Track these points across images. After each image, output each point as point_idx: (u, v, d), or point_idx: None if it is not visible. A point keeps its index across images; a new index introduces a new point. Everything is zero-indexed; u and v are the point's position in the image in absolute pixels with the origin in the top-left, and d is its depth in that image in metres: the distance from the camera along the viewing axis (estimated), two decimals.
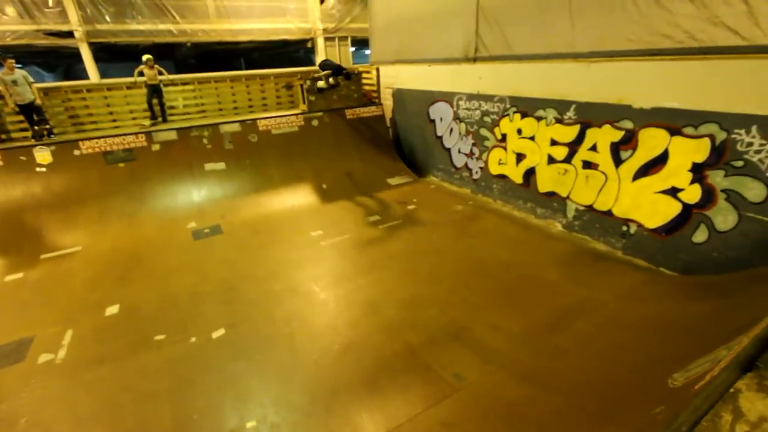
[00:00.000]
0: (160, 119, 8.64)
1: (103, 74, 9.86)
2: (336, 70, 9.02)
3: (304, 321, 4.39)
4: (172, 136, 7.95)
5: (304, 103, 9.47)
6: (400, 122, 10.26)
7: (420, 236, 6.30)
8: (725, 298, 3.39)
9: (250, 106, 10.12)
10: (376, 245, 6.04)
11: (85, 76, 9.60)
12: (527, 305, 4.36)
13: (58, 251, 6.25)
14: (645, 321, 3.61)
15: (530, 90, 6.54)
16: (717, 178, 4.42)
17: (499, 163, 7.46)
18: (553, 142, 6.28)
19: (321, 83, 8.98)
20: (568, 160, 6.10)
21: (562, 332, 3.80)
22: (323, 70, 9.05)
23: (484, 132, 7.70)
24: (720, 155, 4.36)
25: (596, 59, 5.44)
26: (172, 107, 9.21)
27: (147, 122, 8.47)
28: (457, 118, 8.29)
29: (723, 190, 4.38)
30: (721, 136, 4.33)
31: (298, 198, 8.09)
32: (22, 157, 6.89)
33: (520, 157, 6.98)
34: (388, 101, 10.42)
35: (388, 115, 10.47)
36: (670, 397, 1.70)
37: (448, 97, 8.42)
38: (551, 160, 6.39)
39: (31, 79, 7.24)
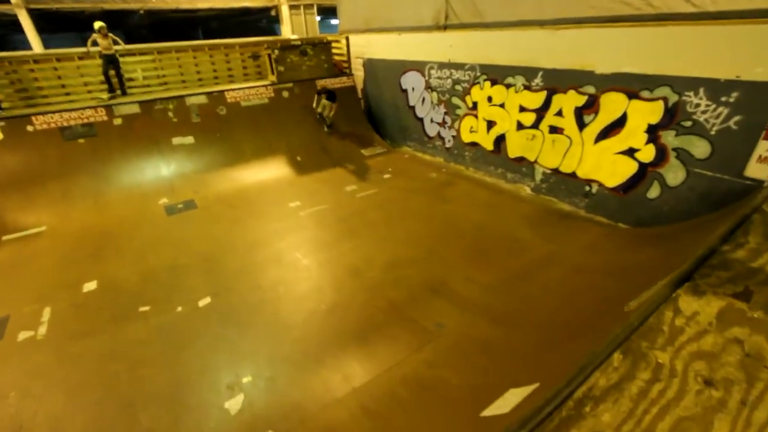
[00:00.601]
0: (118, 92, 8.15)
1: (44, 46, 9.11)
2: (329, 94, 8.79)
3: (290, 286, 4.52)
4: (135, 109, 7.58)
5: (273, 73, 9.20)
6: (371, 93, 10.20)
7: (396, 203, 6.47)
8: (672, 243, 3.80)
9: (216, 78, 9.70)
10: (355, 213, 6.16)
11: (22, 48, 8.83)
12: (500, 261, 4.67)
13: (21, 232, 5.97)
14: (603, 267, 3.99)
15: (500, 58, 6.69)
16: (669, 138, 4.80)
17: (471, 131, 7.66)
18: (522, 109, 6.51)
19: (322, 107, 8.73)
20: (535, 125, 6.37)
21: (531, 281, 4.15)
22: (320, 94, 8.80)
23: (455, 101, 7.83)
24: (672, 116, 4.73)
25: (562, 26, 5.63)
26: (130, 79, 8.69)
27: (105, 95, 7.98)
28: (428, 87, 8.36)
29: (674, 149, 4.78)
30: (673, 98, 4.68)
31: (273, 171, 8.01)
32: None
33: (490, 125, 7.20)
34: (359, 72, 10.29)
35: (360, 86, 10.37)
36: (627, 317, 1.98)
37: (419, 67, 8.44)
38: (520, 126, 6.65)
39: None
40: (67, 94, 8.23)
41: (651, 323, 1.38)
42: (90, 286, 4.68)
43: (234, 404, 3.08)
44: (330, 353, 3.49)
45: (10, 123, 6.63)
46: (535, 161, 6.54)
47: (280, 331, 3.83)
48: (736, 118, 4.21)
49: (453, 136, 8.12)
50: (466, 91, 7.48)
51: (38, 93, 7.98)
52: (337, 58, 10.30)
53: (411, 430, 2.56)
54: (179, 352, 3.62)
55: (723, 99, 4.28)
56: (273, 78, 9.17)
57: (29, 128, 6.78)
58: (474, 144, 7.66)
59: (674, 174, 4.83)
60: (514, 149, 6.87)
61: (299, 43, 9.49)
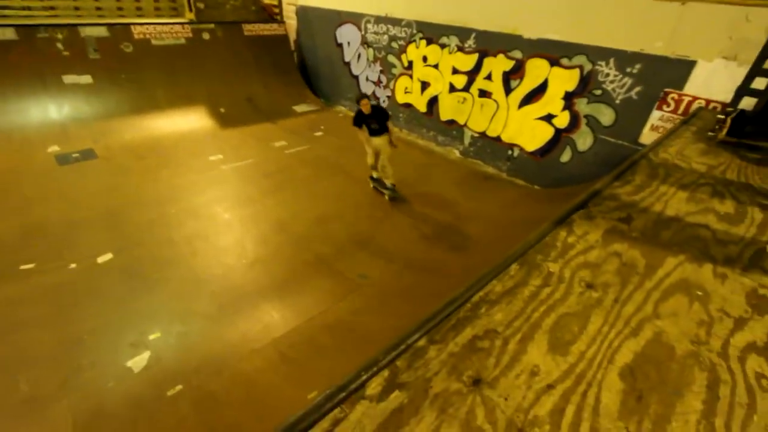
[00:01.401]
0: None
1: None
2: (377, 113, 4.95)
3: (208, 240, 4.20)
4: (10, 35, 6.26)
5: (191, 10, 8.16)
6: (305, 44, 9.57)
7: (327, 161, 6.27)
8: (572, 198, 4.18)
9: (120, 9, 8.33)
10: (283, 169, 5.86)
11: None
12: (427, 217, 4.79)
13: None
14: (518, 221, 4.29)
15: (436, 15, 6.60)
16: (582, 105, 5.18)
17: (405, 92, 7.59)
18: (455, 71, 6.57)
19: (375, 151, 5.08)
20: (466, 88, 6.48)
21: (456, 235, 4.33)
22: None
23: (391, 59, 7.65)
24: (585, 84, 5.08)
25: None
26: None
27: None
28: (365, 42, 8.04)
29: (585, 116, 5.17)
30: (588, 67, 5.01)
31: (191, 121, 7.26)
32: None
33: (424, 86, 7.19)
34: (291, 20, 9.54)
35: (293, 36, 9.67)
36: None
37: (356, 19, 8.04)
38: (452, 88, 6.72)
39: None
40: None
41: (547, 241, 1.47)
42: None
43: (138, 362, 2.83)
44: (250, 305, 3.34)
45: None
46: (465, 125, 6.71)
47: (195, 286, 3.56)
48: (637, 88, 4.64)
49: (388, 97, 7.99)
50: (402, 49, 7.33)
51: None
52: (267, 1, 9.42)
53: (329, 372, 2.56)
54: (71, 312, 3.21)
55: (628, 70, 4.67)
56: (191, 16, 8.14)
57: None
58: (408, 105, 7.62)
59: (584, 140, 5.25)
60: (445, 112, 6.97)
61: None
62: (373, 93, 8.27)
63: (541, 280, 1.28)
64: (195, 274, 3.72)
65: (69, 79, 6.65)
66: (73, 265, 3.71)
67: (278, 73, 9.05)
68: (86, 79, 6.81)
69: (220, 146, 6.53)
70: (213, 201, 4.93)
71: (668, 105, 4.40)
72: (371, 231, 4.48)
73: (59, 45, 6.66)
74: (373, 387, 0.92)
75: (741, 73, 3.62)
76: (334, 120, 8.29)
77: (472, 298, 1.18)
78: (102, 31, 7.04)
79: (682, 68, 4.23)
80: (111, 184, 5.21)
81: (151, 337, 3.03)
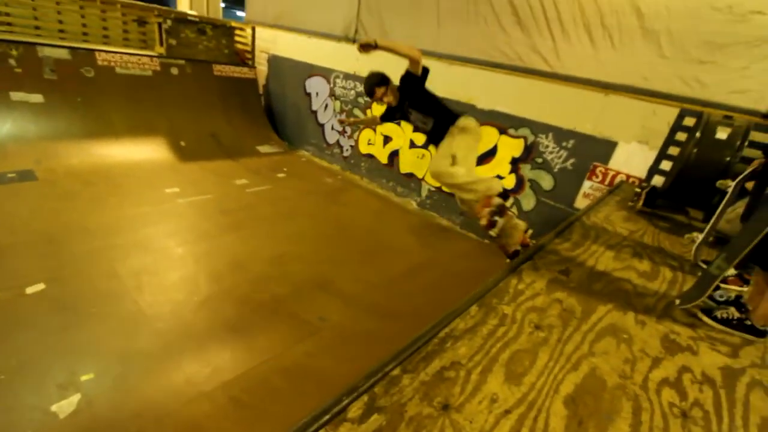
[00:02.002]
0: None
1: None
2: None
3: (157, 275, 4.00)
4: None
5: (161, 45, 8.24)
6: (274, 90, 9.92)
7: (289, 202, 6.33)
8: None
9: (85, 34, 8.20)
10: (243, 208, 5.82)
11: None
12: (385, 263, 4.94)
13: None
14: (469, 271, 4.57)
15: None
16: (526, 170, 5.82)
17: (368, 143, 8.03)
18: (416, 129, 7.12)
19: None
20: (425, 146, 7.03)
21: (411, 281, 4.49)
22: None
23: (357, 112, 8.14)
24: (529, 153, 5.76)
25: (454, 62, 6.43)
26: None
27: None
28: (333, 95, 8.52)
29: (529, 180, 5.80)
30: (531, 138, 5.72)
31: (148, 152, 7.07)
32: None
33: (387, 140, 7.67)
34: (262, 66, 9.92)
35: (262, 81, 10.00)
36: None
37: (325, 73, 8.57)
38: (412, 144, 7.24)
39: None
40: None
41: (501, 287, 1.67)
42: None
43: (65, 406, 2.55)
44: (199, 345, 3.18)
45: None
46: (422, 179, 7.17)
47: (138, 323, 3.34)
48: (572, 160, 5.35)
49: (351, 146, 8.38)
50: (368, 105, 7.86)
51: None
52: (240, 47, 9.77)
53: (284, 416, 2.49)
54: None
55: (564, 144, 5.40)
56: (161, 50, 8.20)
57: None
58: (370, 156, 8.03)
59: (528, 201, 5.84)
60: (405, 165, 7.43)
61: (198, 20, 8.75)
62: (337, 141, 8.64)
63: (497, 320, 1.46)
64: (139, 309, 3.50)
65: (17, 96, 6.31)
66: None
67: (244, 114, 9.20)
68: (37, 98, 6.49)
69: (178, 179, 6.38)
70: (165, 234, 4.74)
71: (597, 176, 5.10)
72: (330, 274, 4.52)
73: (11, 61, 6.37)
74: (354, 410, 1.00)
75: (652, 155, 4.36)
76: (297, 163, 8.47)
77: (438, 333, 1.32)
78: (63, 53, 6.87)
79: (608, 146, 4.99)
80: (51, 209, 4.85)
81: (83, 378, 2.76)
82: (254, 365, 3.06)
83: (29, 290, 3.46)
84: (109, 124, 7.04)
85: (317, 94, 8.90)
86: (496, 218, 3.15)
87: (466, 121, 3.36)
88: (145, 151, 7.02)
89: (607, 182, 5.00)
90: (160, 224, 4.96)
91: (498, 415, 1.08)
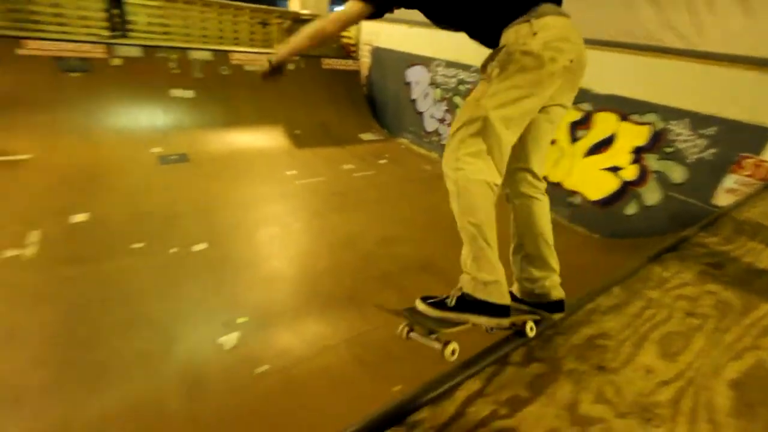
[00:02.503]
0: (119, 33, 7.89)
1: None
2: None
3: (284, 246, 4.62)
4: (137, 52, 7.38)
5: (279, 43, 9.17)
6: (375, 81, 10.35)
7: (391, 187, 6.67)
8: (642, 250, 4.23)
9: (221, 38, 9.52)
10: (351, 190, 6.32)
11: None
12: None
13: (5, 156, 5.71)
14: (579, 266, 4.36)
15: None
16: (651, 161, 5.27)
17: None
18: None
19: None
20: None
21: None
22: None
23: (457, 100, 8.13)
24: (656, 141, 5.20)
25: None
26: (131, 22, 8.40)
27: (105, 33, 7.70)
28: (433, 83, 8.62)
29: (654, 171, 5.25)
30: (660, 125, 5.15)
31: (270, 139, 8.02)
32: None
33: None
34: (365, 58, 10.42)
35: (365, 72, 10.51)
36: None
37: (426, 62, 8.69)
38: None
39: None
40: (61, 24, 7.86)
41: (643, 273, 1.66)
42: (80, 217, 4.59)
43: (228, 340, 3.17)
44: (322, 307, 3.64)
45: (1, 42, 6.30)
46: None
47: (275, 284, 3.94)
48: (712, 150, 4.71)
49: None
50: (468, 92, 7.78)
51: (30, 17, 7.58)
52: (345, 41, 10.39)
53: (402, 378, 2.76)
54: (172, 288, 3.67)
55: (702, 131, 4.76)
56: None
57: (19, 51, 6.47)
58: None
59: (652, 194, 5.30)
60: None
61: (311, 18, 9.52)
62: (436, 130, 8.74)
63: (644, 302, 1.47)
64: (275, 273, 4.11)
65: (176, 92, 7.65)
66: (173, 250, 4.22)
67: (349, 104, 9.82)
68: (189, 93, 7.79)
69: (295, 163, 7.15)
70: (288, 211, 5.41)
71: (745, 169, 4.42)
72: (431, 256, 4.71)
73: (172, 64, 7.72)
74: (516, 356, 1.15)
75: None
76: (397, 150, 8.80)
77: (584, 306, 1.39)
78: (207, 55, 8.10)
79: (762, 134, 4.28)
80: (202, 186, 5.86)
81: (239, 320, 3.38)
82: (369, 329, 3.41)
83: (195, 248, 4.30)
84: (240, 115, 8.14)
85: (417, 83, 9.08)
86: None
87: (533, 26, 1.30)
88: (268, 139, 7.99)
89: (760, 176, 4.30)
90: (283, 202, 5.67)
91: (656, 384, 1.13)
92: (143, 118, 7.20)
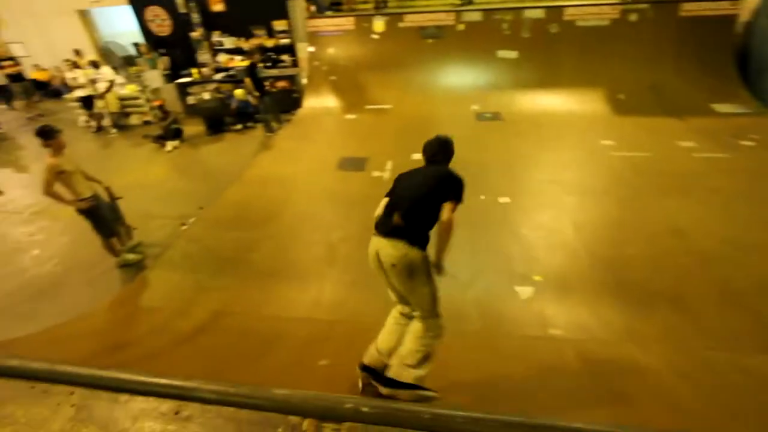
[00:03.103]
0: (467, 0, 8.87)
1: None
2: None
3: (587, 219, 4.25)
4: (477, 17, 8.12)
5: None
6: (762, 31, 7.30)
7: (756, 178, 4.78)
8: None
9: None
10: (688, 174, 4.97)
11: None
12: None
13: (377, 105, 7.85)
14: None
15: None
16: None
17: None
18: None
19: None
20: None
21: None
22: None
23: None
24: None
25: None
26: None
27: (457, 1, 8.86)
28: None
29: None
30: None
31: (586, 103, 7.30)
32: (365, 24, 8.49)
33: None
34: None
35: (745, 16, 7.56)
36: None
37: None
38: None
39: None
40: None
41: None
42: (417, 156, 5.75)
43: (524, 291, 3.30)
44: (630, 298, 3.16)
45: (392, 18, 8.36)
46: None
47: (573, 254, 3.72)
48: None
49: None
50: None
51: None
52: None
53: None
54: (479, 229, 4.10)
55: None
56: None
57: (400, 24, 8.37)
58: None
59: None
60: None
61: None
62: None
63: None
64: (573, 243, 3.86)
65: (501, 53, 8.05)
66: (482, 197, 4.68)
67: (702, 62, 7.47)
68: (513, 54, 8.02)
69: (611, 132, 6.26)
70: (602, 188, 4.84)
71: None
72: None
73: (504, 25, 8.06)
74: None
75: None
76: None
77: None
78: (539, 13, 7.94)
79: None
80: (510, 144, 6.11)
81: (535, 277, 3.44)
82: (699, 345, 2.70)
83: (501, 200, 4.60)
84: (558, 76, 7.74)
85: None
86: None
87: None
88: (583, 102, 7.30)
89: None
90: (593, 172, 5.14)
91: None
92: (469, 78, 8.07)
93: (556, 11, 7.90)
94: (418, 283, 2.13)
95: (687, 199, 4.40)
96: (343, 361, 2.43)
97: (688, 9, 7.55)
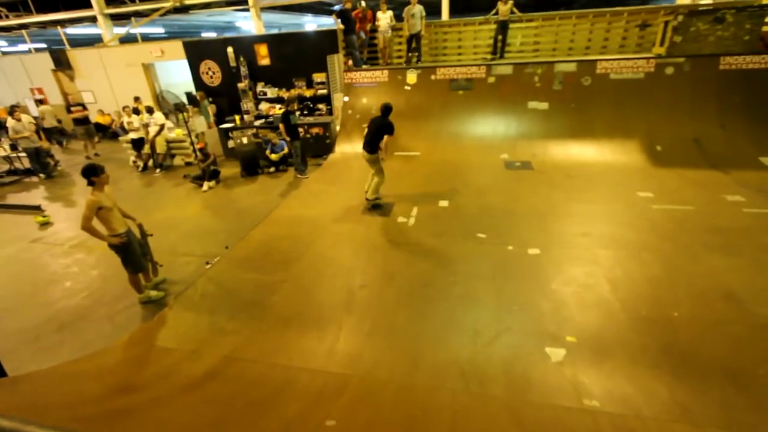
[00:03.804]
0: (498, 55, 9.16)
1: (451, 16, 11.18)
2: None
3: (627, 276, 3.91)
4: (508, 70, 8.31)
5: (661, 45, 7.80)
6: None
7: None
8: None
9: (587, 48, 9.23)
10: (738, 230, 4.57)
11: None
12: None
13: (406, 152, 7.99)
14: None
15: None
16: None
17: None
18: None
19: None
20: None
21: None
22: None
23: None
24: None
25: None
26: (507, 44, 9.55)
27: (488, 56, 9.16)
28: None
29: None
30: None
31: (621, 154, 7.09)
32: (399, 77, 8.90)
33: None
34: None
35: None
36: None
37: None
38: None
39: (424, 14, 8.91)
40: (459, 54, 10.00)
41: None
42: (443, 203, 5.72)
43: (555, 353, 3.01)
44: (678, 368, 2.79)
45: (425, 71, 8.72)
46: None
47: (610, 315, 3.40)
48: None
49: None
50: None
51: (441, 51, 10.08)
52: (767, 29, 7.54)
53: None
54: (508, 281, 3.88)
55: None
56: (660, 50, 7.79)
57: (432, 77, 8.71)
58: None
59: None
60: None
61: (713, 7, 7.52)
62: None
63: None
64: (610, 303, 3.54)
65: (532, 104, 8.11)
66: (510, 247, 4.48)
67: (747, 115, 7.16)
68: (544, 105, 8.05)
69: (650, 184, 5.98)
70: (640, 241, 4.53)
71: None
72: None
73: (536, 78, 8.18)
74: None
75: None
76: None
77: None
78: (571, 67, 8.03)
79: None
80: (540, 193, 5.94)
81: (568, 338, 3.14)
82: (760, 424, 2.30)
83: (530, 251, 4.38)
84: (591, 127, 7.63)
85: None
86: None
87: None
88: (618, 153, 7.10)
89: None
90: (632, 226, 4.83)
91: None
92: (500, 128, 8.11)
93: (588, 65, 7.97)
94: (375, 164, 5.51)
95: (738, 259, 4.01)
96: (351, 425, 2.24)
97: (729, 62, 7.40)
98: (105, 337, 3.54)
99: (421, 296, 3.76)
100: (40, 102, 12.80)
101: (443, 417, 2.49)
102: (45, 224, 6.22)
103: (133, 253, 3.88)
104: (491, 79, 8.39)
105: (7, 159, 9.26)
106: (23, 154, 9.02)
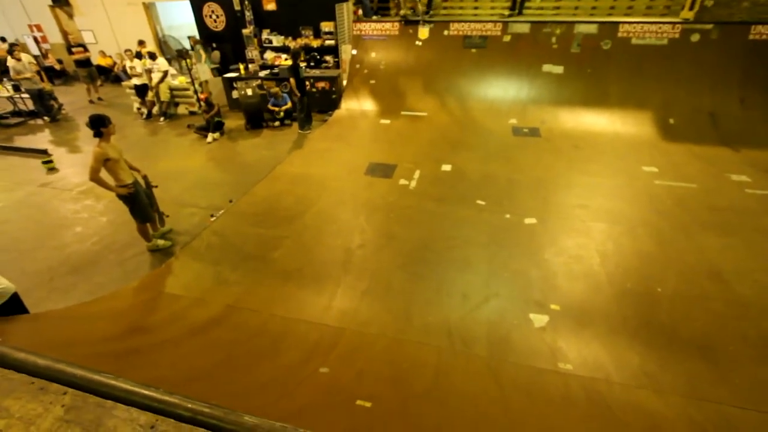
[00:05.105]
0: (516, 11, 8.66)
1: None
2: None
3: (617, 250, 4.00)
4: (525, 29, 7.91)
5: (691, 9, 7.33)
6: None
7: None
8: None
9: (612, 8, 8.66)
10: (738, 211, 4.60)
11: None
12: None
13: (413, 112, 7.85)
14: None
15: None
16: None
17: None
18: None
19: None
20: None
21: None
22: None
23: None
24: None
25: None
26: (528, 0, 8.98)
27: (506, 12, 8.67)
28: None
29: None
30: None
31: (632, 125, 6.93)
32: (410, 30, 8.50)
33: None
34: None
35: None
36: None
37: None
38: None
39: None
40: (475, 8, 9.44)
41: None
42: (446, 167, 5.73)
43: (538, 319, 3.18)
44: (654, 341, 2.97)
45: (437, 26, 8.31)
46: None
47: (597, 287, 3.54)
48: None
49: None
50: None
51: (455, 4, 9.52)
52: None
53: None
54: (502, 248, 4.00)
55: None
56: (689, 15, 7.33)
57: (445, 32, 8.31)
58: None
59: None
60: None
61: None
62: None
63: None
64: (599, 275, 3.68)
65: (546, 67, 7.80)
66: (507, 216, 4.56)
67: None
68: (558, 69, 7.75)
69: (656, 159, 5.91)
70: (634, 213, 4.59)
71: None
72: None
73: (553, 39, 7.80)
74: None
75: None
76: None
77: None
78: (592, 29, 7.62)
79: None
80: (544, 162, 5.91)
81: (552, 306, 3.31)
82: (726, 399, 2.50)
83: (526, 221, 4.47)
84: (605, 95, 7.39)
85: None
86: None
87: None
88: (629, 124, 6.94)
89: None
90: (632, 201, 4.86)
91: None
92: (511, 91, 7.87)
93: (610, 27, 7.56)
94: None
95: (731, 239, 4.08)
96: (342, 373, 2.46)
97: (759, 31, 6.99)
98: (115, 281, 3.76)
99: (417, 258, 3.90)
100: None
101: (427, 371, 2.71)
102: (52, 169, 6.32)
103: (141, 203, 4.00)
104: (507, 38, 8.01)
105: (11, 100, 9.17)
106: (26, 95, 8.93)
